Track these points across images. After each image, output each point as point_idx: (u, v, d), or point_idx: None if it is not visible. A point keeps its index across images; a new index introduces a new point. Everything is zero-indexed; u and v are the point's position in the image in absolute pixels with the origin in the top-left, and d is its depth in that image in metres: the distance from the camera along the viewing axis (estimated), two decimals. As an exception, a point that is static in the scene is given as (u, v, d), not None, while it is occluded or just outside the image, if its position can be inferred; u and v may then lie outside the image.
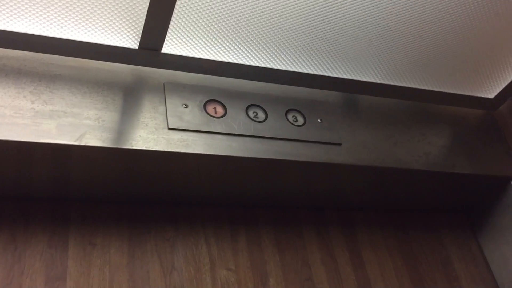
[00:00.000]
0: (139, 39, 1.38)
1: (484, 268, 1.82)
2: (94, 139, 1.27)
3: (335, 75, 1.64)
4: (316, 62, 1.59)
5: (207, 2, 1.34)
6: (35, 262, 1.31)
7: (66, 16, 1.30)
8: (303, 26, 1.47)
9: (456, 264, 1.78)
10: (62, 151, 1.26)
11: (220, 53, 1.49)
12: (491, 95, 1.85)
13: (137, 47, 1.40)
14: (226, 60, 1.51)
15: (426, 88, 1.76)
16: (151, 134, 1.34)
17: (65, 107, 1.30)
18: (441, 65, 1.70)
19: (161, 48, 1.42)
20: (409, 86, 1.74)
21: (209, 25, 1.40)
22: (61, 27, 1.32)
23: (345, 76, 1.65)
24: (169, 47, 1.43)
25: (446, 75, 1.74)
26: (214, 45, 1.46)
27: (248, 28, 1.44)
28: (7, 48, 1.32)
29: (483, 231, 1.87)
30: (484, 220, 1.87)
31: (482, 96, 1.85)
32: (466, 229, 1.90)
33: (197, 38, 1.43)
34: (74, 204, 1.43)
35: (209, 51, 1.47)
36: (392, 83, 1.71)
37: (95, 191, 1.43)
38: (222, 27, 1.42)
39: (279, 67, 1.57)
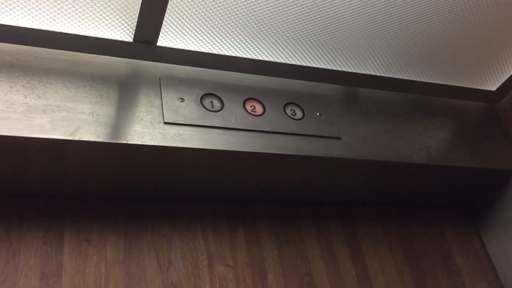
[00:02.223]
0: (133, 32, 1.36)
1: (486, 263, 1.80)
2: (88, 134, 1.25)
3: (334, 68, 1.62)
4: (314, 55, 1.57)
5: (202, -6, 1.32)
6: (30, 259, 1.29)
7: (59, 9, 1.28)
8: (301, 18, 1.44)
9: (458, 259, 1.77)
10: (56, 146, 1.24)
11: (217, 46, 1.47)
12: (493, 87, 1.83)
13: (131, 40, 1.38)
14: (223, 53, 1.48)
15: (427, 80, 1.74)
16: (147, 128, 1.32)
17: (59, 101, 1.28)
18: (441, 57, 1.67)
19: (156, 41, 1.40)
20: (410, 78, 1.71)
21: (205, 17, 1.38)
22: (54, 20, 1.30)
23: (344, 69, 1.63)
24: (164, 40, 1.41)
25: (447, 67, 1.71)
26: (211, 38, 1.44)
27: (245, 21, 1.42)
28: (-1, 41, 1.31)
29: (485, 225, 1.85)
30: (486, 214, 1.85)
31: (484, 88, 1.82)
32: (467, 224, 1.88)
33: (193, 31, 1.41)
34: (69, 200, 1.41)
35: (205, 44, 1.45)
36: (392, 76, 1.69)
37: (91, 186, 1.41)
38: (218, 19, 1.40)
39: (277, 60, 1.55)
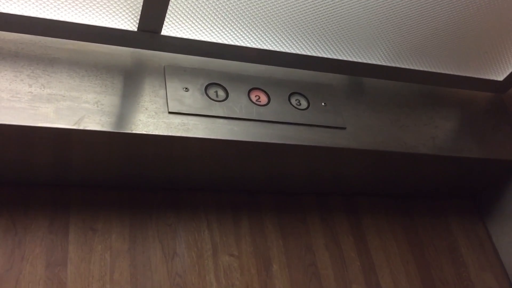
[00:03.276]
0: (138, 21, 1.36)
1: (492, 254, 1.79)
2: (93, 123, 1.25)
3: (340, 58, 1.61)
4: (320, 44, 1.56)
5: (207, -18, 1.32)
6: (36, 248, 1.30)
7: (63, -2, 1.28)
8: (307, 7, 1.43)
9: (464, 250, 1.76)
10: (60, 135, 1.24)
11: (222, 35, 1.46)
12: (500, 77, 1.81)
13: (136, 29, 1.38)
14: (227, 43, 1.48)
15: (433, 70, 1.72)
16: (151, 118, 1.32)
17: (63, 90, 1.28)
18: (448, 47, 1.66)
19: (160, 30, 1.39)
20: (416, 68, 1.70)
21: (210, 6, 1.37)
22: (59, 9, 1.30)
23: (349, 59, 1.62)
24: (169, 29, 1.40)
25: (454, 57, 1.70)
26: (215, 27, 1.43)
27: (250, 10, 1.41)
28: (4, 30, 1.30)
29: (491, 216, 1.84)
30: (492, 205, 1.84)
31: (491, 78, 1.81)
32: (473, 215, 1.87)
33: (198, 20, 1.40)
34: (74, 189, 1.42)
35: (210, 33, 1.44)
36: (398, 66, 1.68)
37: (96, 176, 1.41)
38: (223, 9, 1.39)
39: (281, 50, 1.54)
